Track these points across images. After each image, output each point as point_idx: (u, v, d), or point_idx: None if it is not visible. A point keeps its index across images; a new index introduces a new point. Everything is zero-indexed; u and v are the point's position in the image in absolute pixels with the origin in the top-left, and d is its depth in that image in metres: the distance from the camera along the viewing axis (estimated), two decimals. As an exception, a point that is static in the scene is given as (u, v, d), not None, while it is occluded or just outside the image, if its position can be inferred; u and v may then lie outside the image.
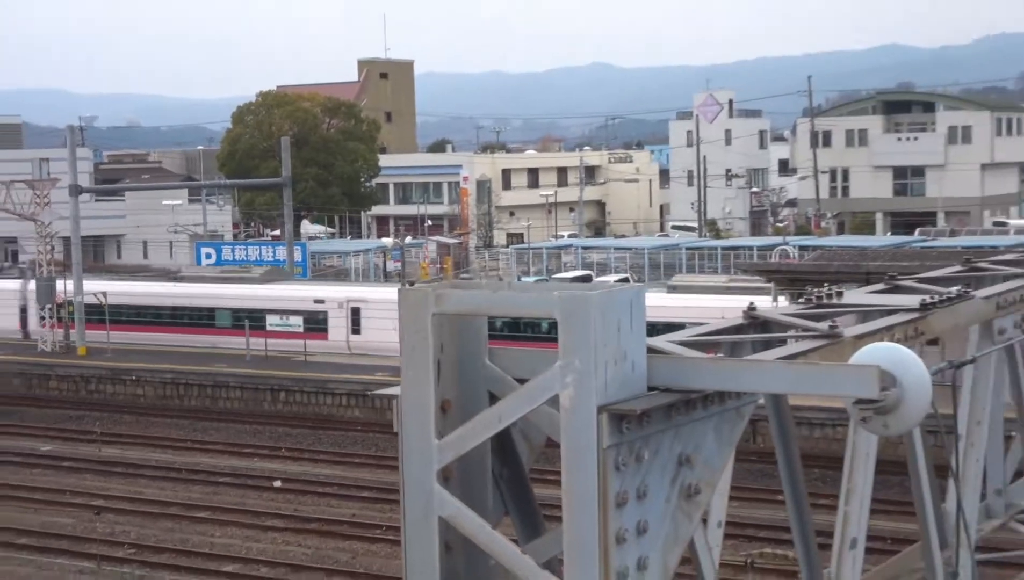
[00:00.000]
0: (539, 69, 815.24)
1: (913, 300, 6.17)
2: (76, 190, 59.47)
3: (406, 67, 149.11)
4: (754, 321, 5.63)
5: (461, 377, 4.25)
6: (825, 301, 6.24)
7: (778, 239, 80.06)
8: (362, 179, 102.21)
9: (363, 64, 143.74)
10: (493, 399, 4.26)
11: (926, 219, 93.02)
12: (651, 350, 4.35)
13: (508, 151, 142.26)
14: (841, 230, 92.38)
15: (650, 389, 4.15)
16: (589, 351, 3.89)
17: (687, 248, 78.48)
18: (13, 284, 62.65)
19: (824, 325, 5.44)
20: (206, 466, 41.54)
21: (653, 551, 4.06)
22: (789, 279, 42.27)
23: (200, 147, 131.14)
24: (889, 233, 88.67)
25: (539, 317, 3.97)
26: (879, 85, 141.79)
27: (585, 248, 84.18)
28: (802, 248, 69.03)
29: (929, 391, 4.23)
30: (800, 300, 6.28)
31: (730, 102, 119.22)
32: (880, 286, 6.86)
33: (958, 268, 7.71)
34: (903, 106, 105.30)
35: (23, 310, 59.35)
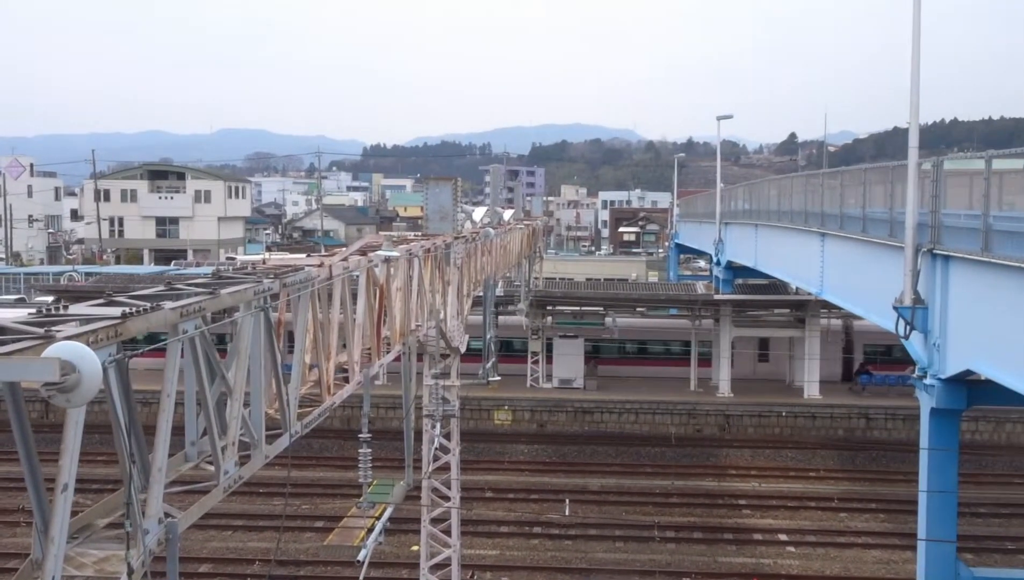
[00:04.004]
0: None
1: (118, 310, 6.02)
2: None
3: None
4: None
5: None
6: (53, 312, 5.92)
7: (68, 267, 75.36)
8: None
9: None
10: None
11: (180, 254, 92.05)
12: None
13: None
14: (119, 261, 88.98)
15: None
16: None
17: (-4, 273, 71.73)
18: None
19: (43, 330, 5.14)
20: None
21: None
22: (75, 297, 39.95)
23: None
24: (153, 264, 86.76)
25: None
26: (146, 159, 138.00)
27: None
28: (88, 274, 65.60)
29: (99, 376, 4.14)
30: (32, 311, 5.84)
31: (31, 166, 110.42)
32: (101, 300, 6.57)
33: (163, 288, 7.58)
34: (163, 174, 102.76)
35: None
